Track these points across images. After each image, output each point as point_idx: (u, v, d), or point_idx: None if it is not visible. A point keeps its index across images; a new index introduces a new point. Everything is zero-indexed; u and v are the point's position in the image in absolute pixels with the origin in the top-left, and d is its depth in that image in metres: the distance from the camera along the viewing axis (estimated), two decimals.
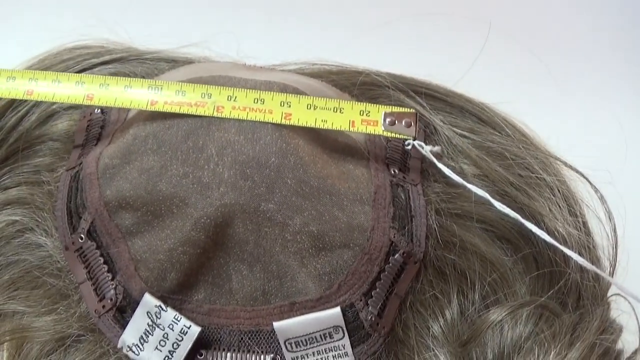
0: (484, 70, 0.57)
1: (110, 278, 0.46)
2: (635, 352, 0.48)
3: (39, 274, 0.48)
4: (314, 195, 0.45)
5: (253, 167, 0.44)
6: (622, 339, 0.48)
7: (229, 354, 0.45)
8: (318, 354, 0.44)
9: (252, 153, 0.44)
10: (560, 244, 0.46)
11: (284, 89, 0.48)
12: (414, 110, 0.49)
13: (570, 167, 0.52)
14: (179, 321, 0.44)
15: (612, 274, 0.50)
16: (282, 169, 0.44)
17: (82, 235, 0.47)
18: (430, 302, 0.47)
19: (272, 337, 0.45)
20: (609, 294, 0.49)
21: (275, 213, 0.44)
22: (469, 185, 0.48)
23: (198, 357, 0.45)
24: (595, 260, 0.49)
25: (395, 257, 0.46)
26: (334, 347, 0.44)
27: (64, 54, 0.57)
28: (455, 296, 0.47)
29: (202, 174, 0.44)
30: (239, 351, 0.45)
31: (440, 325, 0.47)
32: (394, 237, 0.46)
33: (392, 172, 0.49)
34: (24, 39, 0.59)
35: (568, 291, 0.48)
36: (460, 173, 0.50)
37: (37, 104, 0.54)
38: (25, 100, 0.54)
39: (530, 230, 0.47)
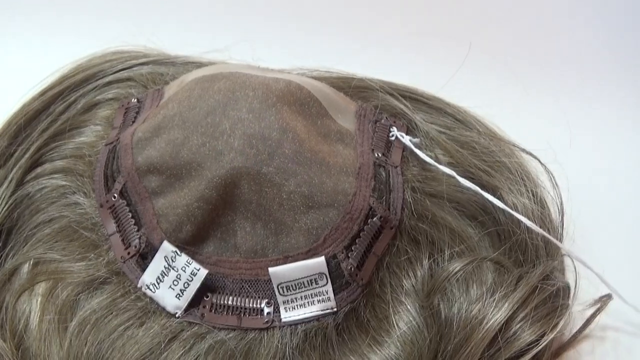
0: (462, 80, 0.66)
1: (136, 230, 0.55)
2: (606, 296, 0.54)
3: (76, 227, 0.57)
4: (306, 164, 0.53)
5: (258, 139, 0.53)
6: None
7: (231, 298, 0.53)
8: (305, 298, 0.52)
9: (258, 128, 0.53)
10: (512, 210, 0.54)
11: (289, 84, 0.57)
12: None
13: (526, 151, 0.62)
14: (190, 264, 0.52)
15: (560, 237, 0.57)
16: (281, 142, 0.53)
17: (115, 195, 0.56)
18: (404, 264, 0.55)
19: (267, 285, 0.53)
20: (559, 254, 0.57)
21: (274, 175, 0.52)
22: (439, 165, 0.57)
23: (205, 298, 0.53)
24: (546, 226, 0.57)
25: (374, 219, 0.54)
26: (318, 292, 0.52)
27: (108, 56, 0.68)
28: (426, 260, 0.55)
29: (216, 143, 0.53)
30: (239, 296, 0.53)
31: (412, 284, 0.54)
32: (373, 203, 0.55)
33: (376, 155, 0.58)
34: (76, 43, 0.70)
35: (520, 250, 0.56)
36: (435, 159, 0.59)
37: (84, 94, 0.64)
38: (74, 90, 0.64)
39: (493, 206, 0.56)
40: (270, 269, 0.52)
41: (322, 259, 0.52)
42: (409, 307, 0.53)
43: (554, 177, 0.60)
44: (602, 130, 0.72)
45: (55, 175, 0.60)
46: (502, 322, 0.50)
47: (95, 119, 0.64)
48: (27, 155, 0.61)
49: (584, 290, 0.56)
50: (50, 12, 0.77)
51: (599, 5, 0.78)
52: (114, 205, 0.56)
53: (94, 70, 0.67)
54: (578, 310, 0.55)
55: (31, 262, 0.56)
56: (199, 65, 0.67)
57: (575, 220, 0.61)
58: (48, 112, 0.64)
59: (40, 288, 0.54)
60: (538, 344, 0.51)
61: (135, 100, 0.63)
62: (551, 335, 0.51)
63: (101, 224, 0.56)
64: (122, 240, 0.55)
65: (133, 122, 0.61)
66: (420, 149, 0.60)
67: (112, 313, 0.52)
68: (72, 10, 0.77)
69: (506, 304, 0.51)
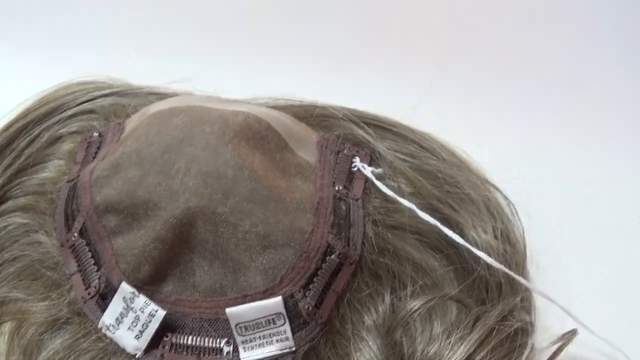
0: (429, 106, 0.66)
1: (95, 270, 0.55)
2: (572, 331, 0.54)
3: (39, 267, 0.57)
4: (262, 202, 0.53)
5: (213, 177, 0.53)
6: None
7: (190, 337, 0.53)
8: (263, 338, 0.52)
9: (214, 165, 0.53)
10: (473, 247, 0.54)
11: (247, 117, 0.57)
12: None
13: (490, 183, 0.61)
14: (148, 305, 0.53)
15: (523, 273, 0.57)
16: (237, 180, 0.53)
17: (75, 234, 0.56)
18: (365, 299, 0.55)
19: (226, 324, 0.52)
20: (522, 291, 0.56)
21: (229, 215, 0.52)
22: (399, 199, 0.57)
23: (164, 338, 0.53)
24: (509, 262, 0.57)
25: (332, 257, 0.54)
26: (277, 332, 0.52)
27: (72, 87, 0.68)
28: (388, 295, 0.55)
29: (172, 183, 0.53)
30: (199, 335, 0.53)
31: (374, 319, 0.54)
32: (332, 240, 0.54)
33: (337, 188, 0.58)
34: (39, 74, 0.70)
35: (485, 288, 0.55)
36: (397, 190, 0.59)
37: (47, 127, 0.64)
38: (37, 124, 0.64)
39: (452, 238, 0.55)
40: (227, 310, 0.52)
41: (279, 299, 0.52)
42: (370, 343, 0.53)
43: (516, 211, 0.60)
44: (573, 159, 0.71)
45: (18, 213, 0.60)
46: None
47: (58, 153, 0.64)
48: None
49: (551, 325, 0.55)
50: (11, 42, 0.76)
51: (566, 26, 0.78)
52: (74, 244, 0.56)
53: (58, 102, 0.67)
54: (544, 347, 0.54)
55: None
56: (162, 96, 0.67)
57: (545, 252, 0.60)
58: (12, 147, 0.64)
59: (6, 327, 0.55)
60: None
61: (97, 134, 0.63)
62: None
63: (63, 263, 0.57)
64: (83, 280, 0.55)
65: (94, 157, 0.61)
66: (382, 179, 0.59)
67: (74, 354, 0.53)
68: (35, 38, 0.77)
69: (462, 346, 0.51)
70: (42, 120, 0.66)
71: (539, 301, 0.56)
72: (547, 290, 0.55)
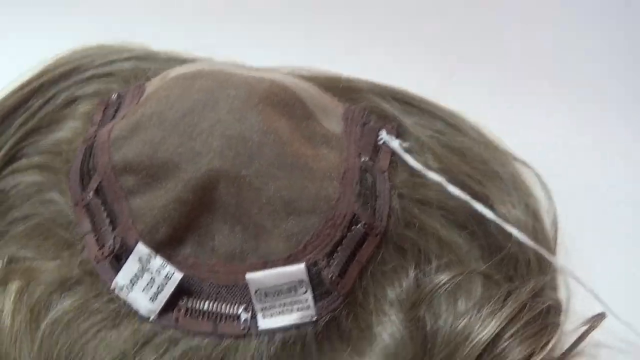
0: (455, 84, 0.64)
1: (111, 230, 0.53)
2: (600, 315, 0.52)
3: (50, 225, 0.55)
4: (288, 168, 0.51)
5: (238, 140, 0.51)
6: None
7: (207, 302, 0.51)
8: (284, 306, 0.50)
9: (239, 129, 0.52)
10: (503, 221, 0.53)
11: (273, 84, 0.55)
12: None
13: (520, 160, 0.59)
14: (165, 267, 0.51)
15: (553, 252, 0.56)
16: (262, 145, 0.51)
17: (91, 193, 0.54)
18: (389, 273, 0.53)
19: (245, 291, 0.51)
20: (551, 270, 0.55)
21: (253, 179, 0.51)
22: (428, 172, 0.55)
23: (180, 302, 0.51)
24: (539, 239, 0.55)
25: (357, 226, 0.52)
26: (298, 300, 0.50)
27: (89, 50, 0.66)
28: (412, 270, 0.53)
29: (194, 144, 0.51)
30: (216, 301, 0.51)
31: (397, 294, 0.52)
32: (357, 209, 0.53)
33: (363, 159, 0.56)
34: (58, 38, 0.68)
35: (511, 264, 0.54)
36: (424, 166, 0.57)
37: (64, 88, 0.63)
38: (53, 85, 0.62)
39: (482, 213, 0.54)
40: (248, 275, 0.50)
41: (302, 266, 0.50)
42: (392, 318, 0.51)
43: (548, 189, 0.58)
44: (602, 141, 0.70)
45: (31, 172, 0.59)
46: (489, 339, 0.48)
47: (74, 115, 0.62)
48: (3, 151, 0.59)
49: (577, 308, 0.54)
50: (31, 6, 0.75)
51: (593, 6, 0.77)
52: (89, 203, 0.54)
53: (75, 64, 0.65)
54: (570, 330, 0.53)
55: (4, 260, 0.54)
56: (183, 61, 0.65)
57: (571, 234, 0.59)
58: (26, 106, 0.62)
59: (13, 286, 0.53)
60: None
61: (116, 96, 0.61)
62: (540, 355, 0.49)
63: (76, 222, 0.55)
64: (97, 240, 0.53)
65: (112, 118, 0.59)
66: (409, 153, 0.58)
67: (84, 314, 0.51)
68: (53, 4, 0.75)
69: (493, 321, 0.49)
70: (57, 81, 0.64)
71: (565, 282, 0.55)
72: (576, 271, 0.54)
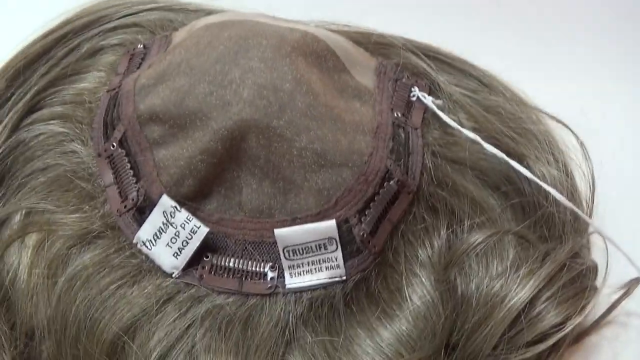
0: (487, 42, 0.62)
1: (134, 182, 0.51)
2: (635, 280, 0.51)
3: (72, 177, 0.53)
4: (320, 119, 0.50)
5: (269, 89, 0.49)
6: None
7: (232, 260, 0.50)
8: (312, 264, 0.49)
9: (270, 78, 0.50)
10: (540, 180, 0.51)
11: (305, 35, 0.53)
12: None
13: (556, 119, 0.57)
14: (190, 221, 0.49)
15: (589, 213, 0.53)
16: (294, 94, 0.49)
17: (114, 144, 0.53)
18: (421, 233, 0.52)
19: (272, 248, 0.49)
20: (587, 231, 0.53)
21: (284, 129, 0.49)
22: (463, 130, 0.53)
23: (204, 258, 0.50)
24: (574, 199, 0.53)
25: (390, 183, 0.50)
26: (327, 258, 0.49)
27: (114, 0, 0.64)
28: (444, 230, 0.52)
29: (224, 93, 0.49)
30: (241, 258, 0.50)
31: (428, 255, 0.51)
32: (390, 165, 0.51)
33: (396, 115, 0.54)
34: None
35: (547, 225, 0.52)
36: (458, 123, 0.55)
37: (88, 39, 0.61)
38: (77, 35, 0.61)
39: (518, 175, 0.52)
40: (276, 231, 0.48)
41: (332, 222, 0.48)
42: (423, 279, 0.49)
43: (585, 148, 0.56)
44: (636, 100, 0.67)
45: (53, 122, 0.57)
46: (526, 300, 0.47)
47: (98, 65, 0.60)
48: (24, 100, 0.58)
49: (611, 272, 0.52)
50: None
51: None
52: (112, 154, 0.53)
53: (99, 14, 0.63)
54: (604, 294, 0.51)
55: (23, 212, 0.53)
56: (210, 12, 0.63)
57: (605, 196, 0.56)
58: (49, 56, 0.60)
59: (31, 240, 0.52)
60: (563, 327, 0.47)
61: (142, 46, 0.59)
62: (578, 319, 0.47)
63: (98, 174, 0.53)
64: (120, 192, 0.52)
65: (138, 68, 0.57)
66: (442, 111, 0.56)
67: (104, 270, 0.49)
68: None
69: (531, 281, 0.47)
70: (82, 31, 0.62)
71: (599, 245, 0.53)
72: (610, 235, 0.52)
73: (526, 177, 0.52)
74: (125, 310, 0.48)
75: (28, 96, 0.58)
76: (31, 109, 0.58)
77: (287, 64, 0.50)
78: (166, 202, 0.49)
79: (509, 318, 0.46)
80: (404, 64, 0.59)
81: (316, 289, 0.49)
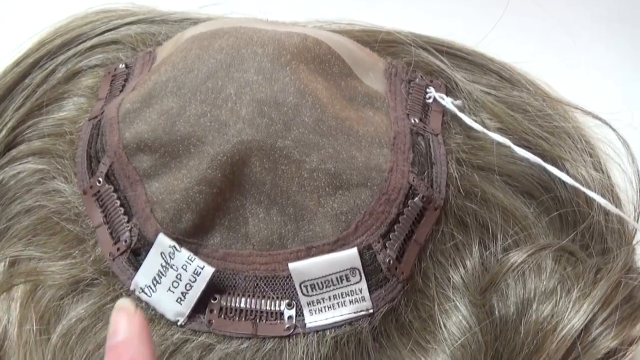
0: (505, 33, 0.57)
1: (126, 221, 0.46)
2: None
3: (57, 219, 0.48)
4: (331, 134, 0.44)
5: (270, 105, 0.44)
6: None
7: (243, 299, 0.44)
8: (334, 298, 0.44)
9: (270, 92, 0.44)
10: (583, 186, 0.45)
11: (305, 39, 0.48)
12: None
13: (591, 113, 0.52)
14: (192, 261, 0.44)
15: (636, 218, 0.48)
16: (300, 108, 0.44)
17: (100, 179, 0.47)
18: (451, 252, 0.46)
19: (287, 283, 0.44)
20: (634, 239, 0.47)
21: (291, 150, 0.43)
22: (490, 133, 0.48)
23: (212, 301, 0.44)
24: (618, 203, 0.48)
25: (415, 200, 0.45)
26: (350, 291, 0.43)
27: (90, 16, 0.59)
28: (476, 247, 0.46)
29: (219, 113, 0.44)
30: (254, 296, 0.44)
31: (461, 276, 0.46)
32: (413, 180, 0.45)
33: (413, 121, 0.49)
34: (54, 4, 0.61)
35: (591, 235, 0.47)
36: (481, 125, 0.50)
37: (64, 61, 0.55)
38: (52, 58, 0.55)
39: (553, 179, 0.47)
40: (291, 265, 0.43)
41: (354, 250, 0.43)
42: (457, 303, 0.44)
43: (628, 145, 0.50)
44: None
45: (32, 158, 0.52)
46: (582, 326, 0.41)
47: (77, 90, 0.54)
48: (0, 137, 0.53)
49: None
50: None
51: None
52: (99, 191, 0.47)
53: (75, 33, 0.57)
54: None
55: (7, 261, 0.48)
56: (196, 22, 0.57)
57: None
58: (23, 85, 0.55)
59: (19, 291, 0.47)
60: (620, 352, 0.42)
61: (124, 65, 0.54)
62: (638, 344, 0.42)
63: (85, 214, 0.48)
64: (111, 233, 0.47)
65: (121, 91, 0.52)
66: (463, 112, 0.50)
67: (101, 321, 0.45)
68: None
69: (585, 305, 0.42)
70: (57, 53, 0.56)
71: None
72: None
73: (562, 182, 0.47)
74: None
75: (3, 133, 0.53)
76: (8, 146, 0.53)
77: (288, 74, 0.45)
78: (163, 241, 0.44)
79: (564, 348, 0.41)
80: (415, 63, 0.54)
81: (341, 326, 0.44)
